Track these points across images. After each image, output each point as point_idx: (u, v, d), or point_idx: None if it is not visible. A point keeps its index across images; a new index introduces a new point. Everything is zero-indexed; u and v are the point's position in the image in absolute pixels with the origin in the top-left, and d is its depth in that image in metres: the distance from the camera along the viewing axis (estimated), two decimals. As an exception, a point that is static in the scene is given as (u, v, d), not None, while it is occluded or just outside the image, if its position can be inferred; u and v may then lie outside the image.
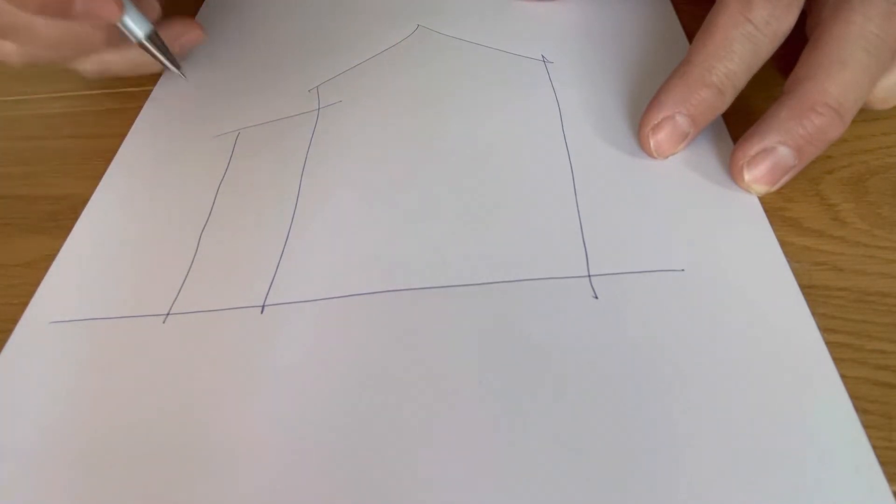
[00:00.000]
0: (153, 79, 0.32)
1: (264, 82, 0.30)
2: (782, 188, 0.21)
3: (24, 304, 0.23)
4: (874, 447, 0.16)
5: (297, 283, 0.22)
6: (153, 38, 0.28)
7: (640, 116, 0.23)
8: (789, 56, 0.21)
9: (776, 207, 0.21)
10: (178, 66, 0.29)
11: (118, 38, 0.28)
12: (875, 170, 0.22)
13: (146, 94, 0.31)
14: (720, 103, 0.21)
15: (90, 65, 0.29)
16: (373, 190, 0.24)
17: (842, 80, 0.19)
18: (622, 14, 0.30)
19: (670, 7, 0.30)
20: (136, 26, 0.27)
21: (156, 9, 0.28)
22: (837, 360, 0.17)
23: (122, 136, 0.29)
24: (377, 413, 0.18)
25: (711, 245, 0.20)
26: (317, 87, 0.29)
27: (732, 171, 0.21)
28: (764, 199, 0.21)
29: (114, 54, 0.29)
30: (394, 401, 0.18)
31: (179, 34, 0.30)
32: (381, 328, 0.20)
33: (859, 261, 0.20)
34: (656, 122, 0.22)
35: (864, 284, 0.19)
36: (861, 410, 0.16)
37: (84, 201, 0.26)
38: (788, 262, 0.19)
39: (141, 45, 0.28)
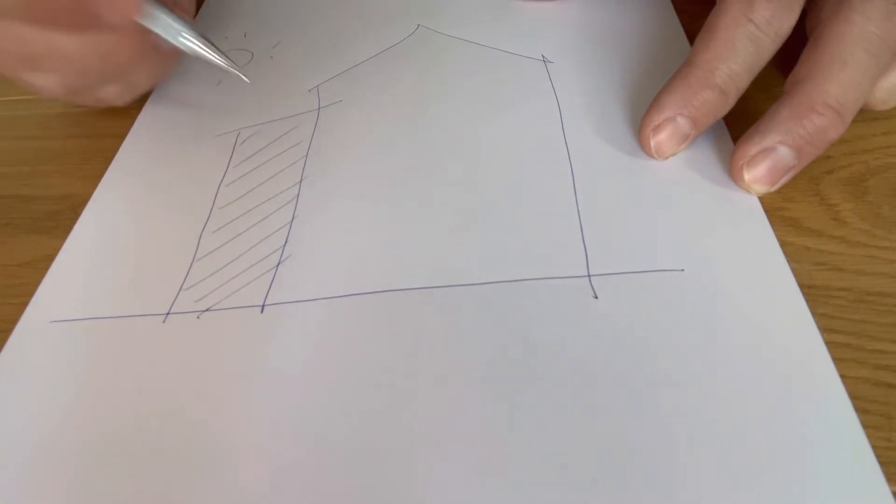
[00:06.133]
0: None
1: (264, 82, 0.30)
2: (782, 188, 0.21)
3: (24, 304, 0.23)
4: (874, 447, 0.16)
5: (297, 283, 0.22)
6: (195, 37, 0.24)
7: (641, 117, 0.23)
8: (789, 56, 0.21)
9: (776, 207, 0.21)
10: (233, 63, 0.24)
11: (150, 52, 0.25)
12: (875, 170, 0.22)
13: (146, 94, 0.31)
14: (723, 104, 0.21)
15: (127, 95, 0.28)
16: (373, 190, 0.24)
17: (842, 81, 0.19)
18: (622, 14, 0.30)
19: (670, 7, 0.30)
20: (173, 22, 0.23)
21: (189, 10, 0.26)
22: (837, 360, 0.17)
23: (122, 136, 0.29)
24: (377, 413, 0.18)
25: (711, 245, 0.20)
26: (317, 87, 0.29)
27: (732, 171, 0.21)
28: (764, 199, 0.21)
29: (139, 72, 0.27)
30: (394, 401, 0.18)
31: None
32: (382, 328, 0.20)
33: (859, 261, 0.20)
34: (657, 123, 0.22)
35: (864, 284, 0.19)
36: (861, 410, 0.16)
37: (84, 201, 0.26)
38: (788, 262, 0.19)
39: (185, 45, 0.24)
